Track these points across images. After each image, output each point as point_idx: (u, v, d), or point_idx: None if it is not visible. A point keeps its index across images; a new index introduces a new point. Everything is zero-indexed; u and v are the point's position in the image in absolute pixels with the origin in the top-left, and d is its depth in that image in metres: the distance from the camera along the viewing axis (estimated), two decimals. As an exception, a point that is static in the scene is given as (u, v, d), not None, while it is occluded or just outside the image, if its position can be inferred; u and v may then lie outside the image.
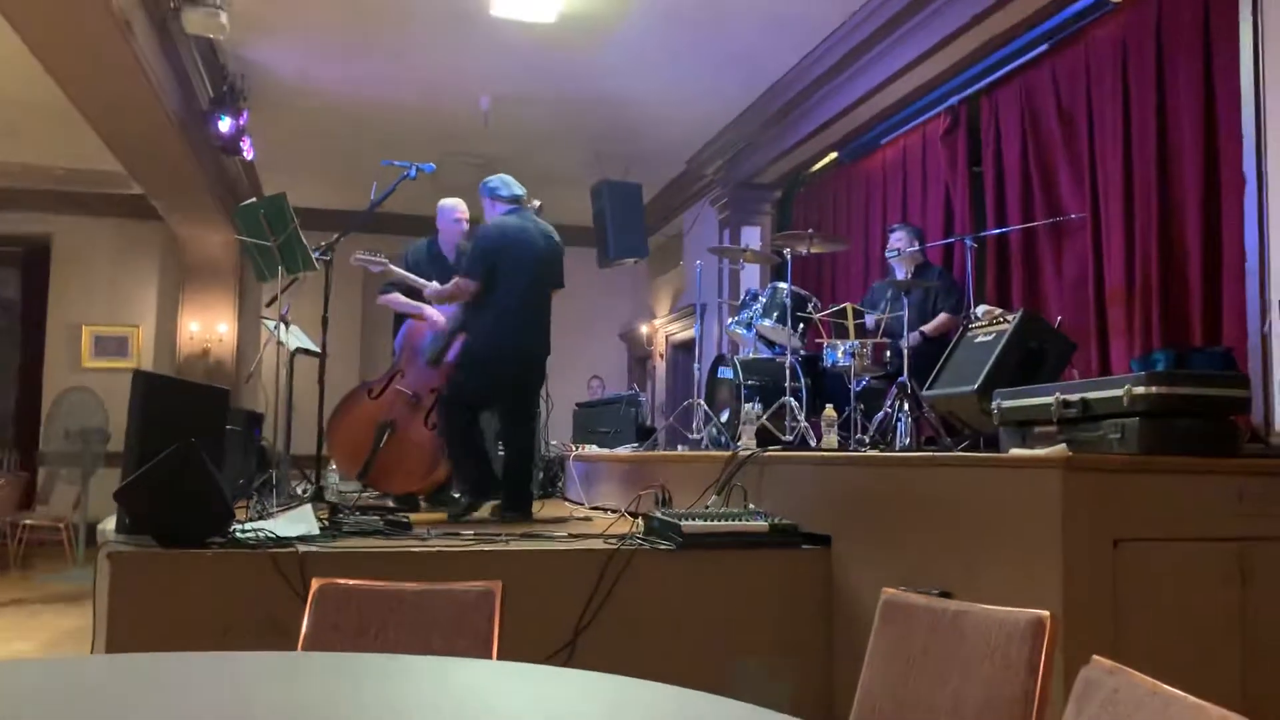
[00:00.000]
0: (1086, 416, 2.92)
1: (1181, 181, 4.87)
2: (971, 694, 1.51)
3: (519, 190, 5.00)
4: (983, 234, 5.91)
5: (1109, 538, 2.49)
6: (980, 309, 4.82)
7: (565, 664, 3.03)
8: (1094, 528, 2.48)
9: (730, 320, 6.24)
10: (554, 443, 7.14)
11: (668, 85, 7.65)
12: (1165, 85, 4.99)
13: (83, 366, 10.91)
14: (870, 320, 5.52)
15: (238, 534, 3.16)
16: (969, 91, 6.52)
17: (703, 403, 5.98)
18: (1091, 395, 2.91)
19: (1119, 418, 2.80)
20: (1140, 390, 2.74)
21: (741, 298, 6.21)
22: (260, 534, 3.17)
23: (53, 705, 1.34)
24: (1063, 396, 2.99)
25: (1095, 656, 1.21)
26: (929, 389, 4.42)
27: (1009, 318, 4.22)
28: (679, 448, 6.33)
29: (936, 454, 3.34)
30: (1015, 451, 3.08)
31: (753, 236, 9.11)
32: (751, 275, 8.63)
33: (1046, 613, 1.48)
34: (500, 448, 5.19)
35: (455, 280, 4.82)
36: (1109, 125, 5.32)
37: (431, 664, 1.58)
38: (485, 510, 4.74)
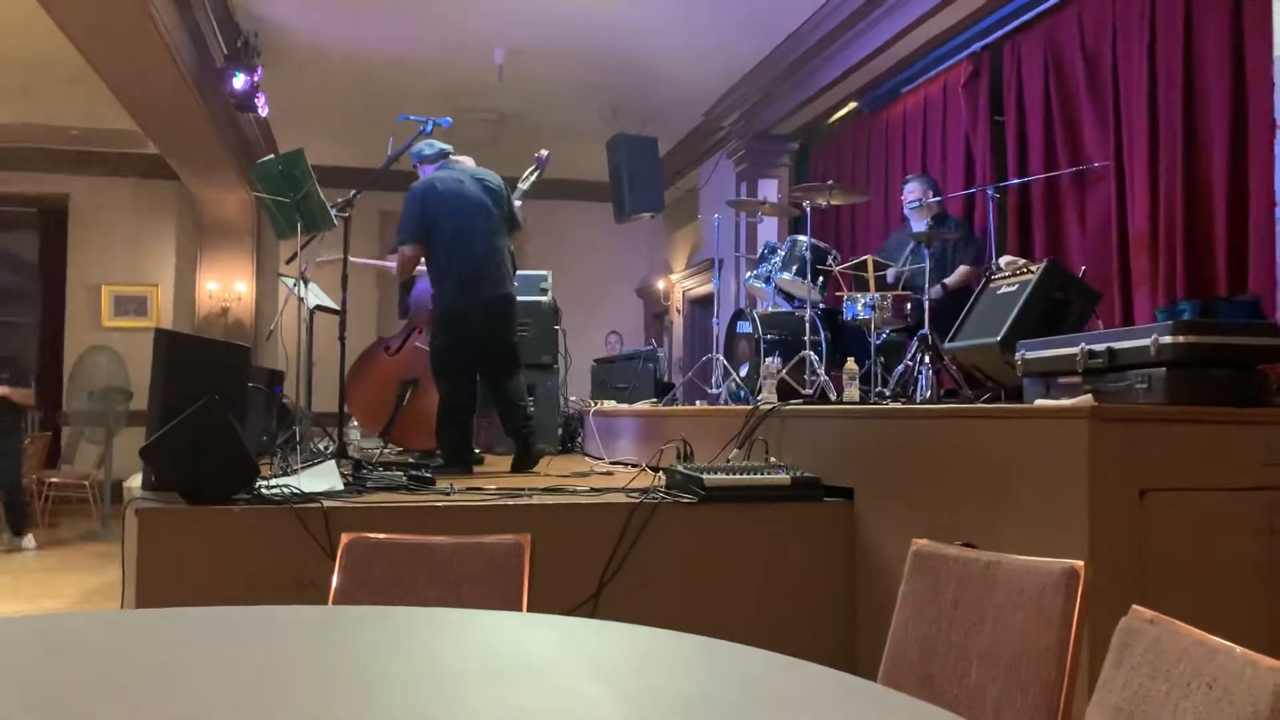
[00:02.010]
0: (1112, 367, 2.89)
1: (1208, 127, 4.79)
2: (1004, 644, 1.51)
3: (442, 146, 4.91)
4: (1004, 184, 5.84)
5: (1135, 488, 2.47)
6: (1003, 259, 4.77)
7: (590, 616, 3.05)
8: (1120, 478, 2.46)
9: (748, 274, 6.20)
10: (573, 398, 7.15)
11: (684, 36, 7.56)
12: (1193, 28, 4.89)
13: (103, 326, 10.98)
14: (890, 274, 5.48)
15: (263, 490, 3.18)
16: (992, 38, 6.42)
17: (721, 357, 5.97)
18: (1118, 345, 2.88)
19: (1146, 368, 2.77)
20: (1168, 340, 2.71)
21: (760, 251, 6.17)
22: (285, 490, 3.19)
23: (91, 656, 1.36)
24: (1088, 347, 2.96)
25: (1135, 606, 1.20)
26: (951, 341, 4.39)
27: (1032, 268, 4.17)
28: (697, 403, 6.33)
29: (960, 406, 3.32)
30: (1040, 402, 3.06)
31: (770, 189, 9.03)
32: (769, 228, 8.57)
33: (1080, 563, 1.47)
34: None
35: (398, 250, 4.78)
36: (1134, 70, 5.22)
37: (464, 616, 1.58)
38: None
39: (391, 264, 5.02)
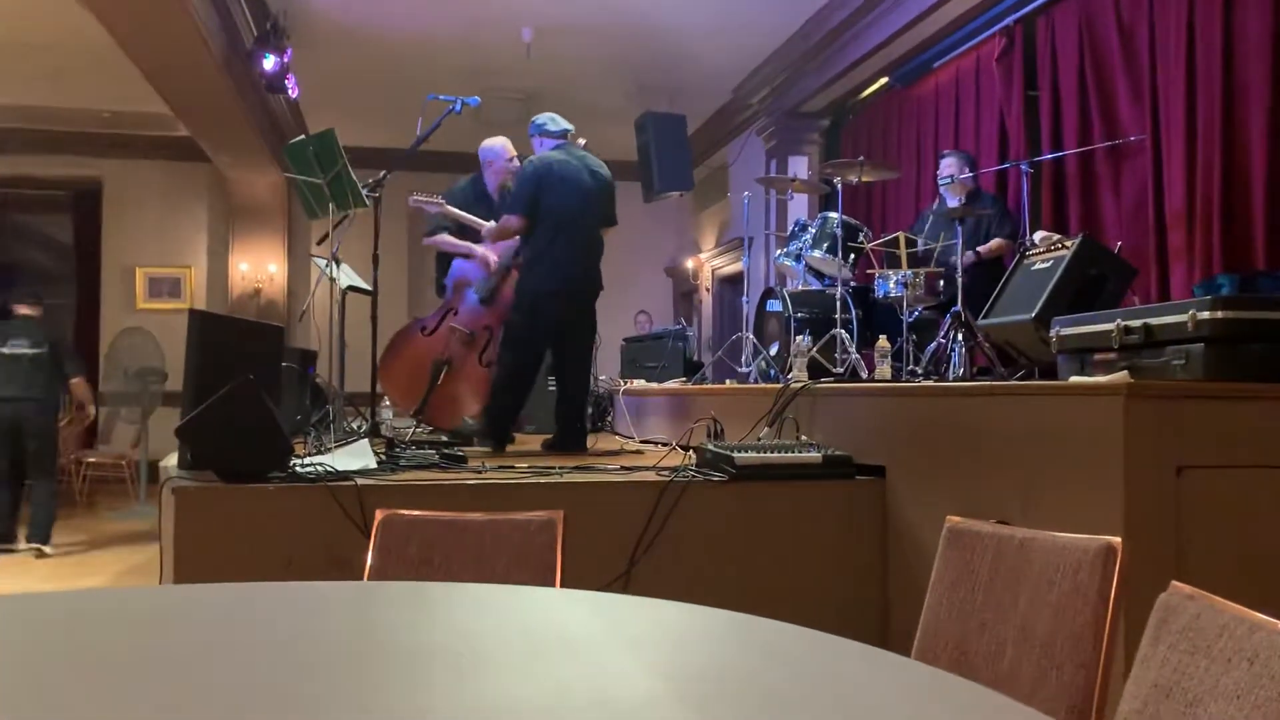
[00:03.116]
0: (1149, 343, 2.86)
1: (1246, 99, 4.71)
2: (1040, 621, 1.50)
3: (566, 125, 4.90)
4: (1039, 159, 5.77)
5: (1172, 465, 2.45)
6: (1038, 235, 4.73)
7: (621, 593, 3.06)
8: (1157, 455, 2.43)
9: (779, 252, 6.17)
10: (602, 377, 7.16)
11: (712, 12, 7.50)
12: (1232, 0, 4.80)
13: (138, 308, 11.10)
14: (921, 244, 5.44)
15: (297, 469, 3.21)
16: (1025, 10, 6.33)
17: (751, 336, 5.95)
18: (1154, 321, 2.84)
19: (1183, 344, 2.74)
20: (1205, 315, 2.67)
21: (790, 229, 6.14)
22: (319, 468, 3.22)
23: (132, 631, 1.38)
24: (1124, 323, 2.93)
25: (1174, 582, 1.19)
26: (984, 318, 4.36)
27: (1067, 244, 4.12)
28: (727, 381, 6.32)
29: (994, 383, 3.29)
30: (1075, 379, 3.03)
31: (800, 166, 8.98)
32: (799, 206, 8.53)
33: (1117, 539, 1.46)
34: (551, 383, 5.20)
35: (504, 217, 4.80)
36: (1171, 42, 5.14)
37: (498, 592, 1.59)
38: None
39: (487, 224, 5.05)
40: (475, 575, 1.85)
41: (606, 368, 7.68)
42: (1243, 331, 2.66)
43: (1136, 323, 2.88)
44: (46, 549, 6.79)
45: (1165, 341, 2.80)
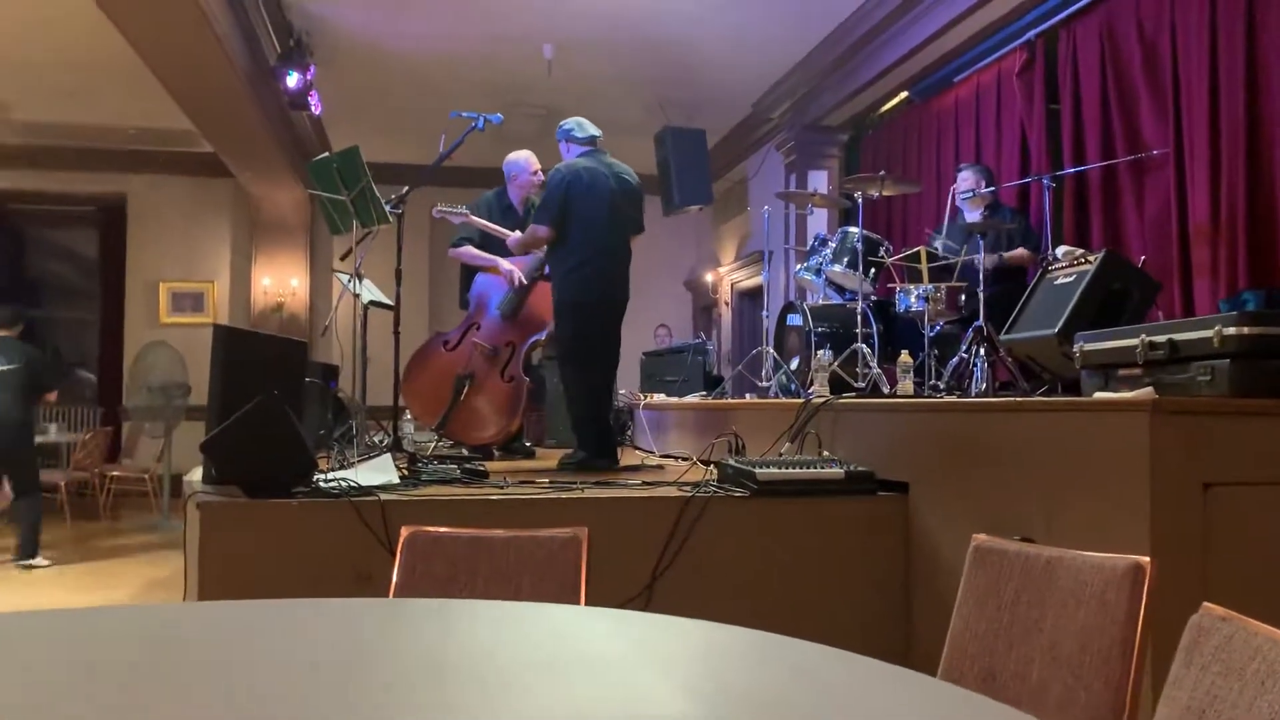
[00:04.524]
0: (1174, 359, 2.84)
1: (1272, 111, 4.68)
2: (1067, 640, 1.49)
3: (594, 131, 4.84)
4: (1060, 173, 5.75)
5: (1199, 482, 2.42)
6: (1060, 250, 4.70)
7: (643, 610, 3.06)
8: (1183, 472, 2.42)
9: (799, 266, 6.17)
10: (622, 391, 7.16)
11: (732, 27, 7.53)
12: (1255, 14, 4.78)
13: (161, 322, 11.19)
14: (940, 245, 5.42)
15: (321, 484, 3.22)
16: (1046, 25, 6.32)
17: (772, 350, 5.95)
18: (1179, 336, 2.82)
19: (1208, 359, 2.72)
20: (1232, 331, 2.65)
21: (810, 243, 6.13)
22: (342, 483, 3.23)
23: (157, 647, 1.39)
24: (1149, 338, 2.91)
25: (1206, 604, 1.18)
26: (1007, 333, 4.34)
27: (1090, 258, 4.11)
28: (747, 396, 6.32)
29: (1019, 399, 3.28)
30: (1100, 395, 3.01)
31: (820, 180, 8.97)
32: (819, 220, 8.52)
33: (1145, 558, 1.45)
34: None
35: (531, 226, 4.79)
36: (1194, 54, 5.12)
37: (525, 609, 1.60)
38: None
39: (512, 235, 5.04)
40: (499, 592, 1.86)
41: (626, 382, 7.68)
42: (1269, 347, 2.64)
43: (1161, 338, 2.87)
44: (36, 562, 6.84)
45: (1190, 357, 2.78)
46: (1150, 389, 2.72)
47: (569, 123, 4.88)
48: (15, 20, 7.42)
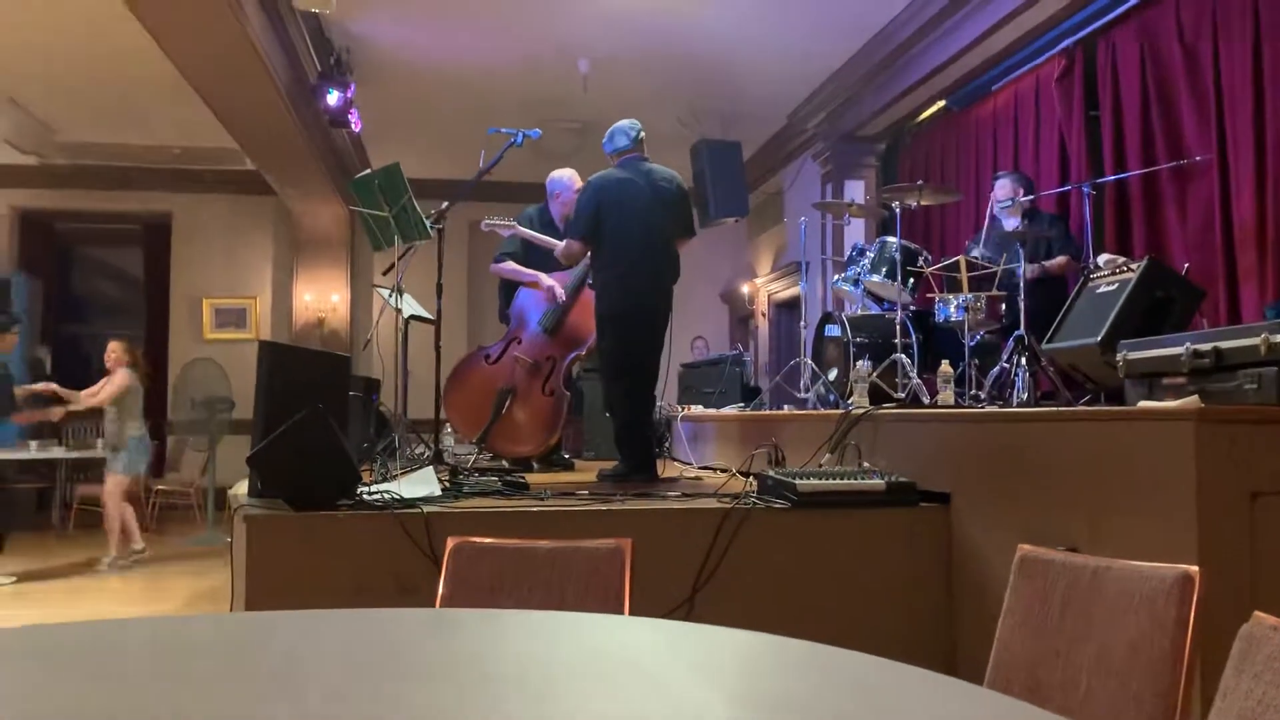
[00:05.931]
0: (1219, 367, 2.81)
1: (1318, 117, 4.62)
2: (1115, 650, 1.48)
3: (624, 141, 4.78)
4: (1101, 180, 5.70)
5: (1246, 491, 2.40)
6: (1102, 258, 4.66)
7: (684, 620, 3.06)
8: (1230, 482, 2.39)
9: (836, 277, 6.16)
10: (660, 403, 7.17)
11: (767, 38, 7.54)
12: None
13: (205, 338, 11.35)
14: (976, 252, 5.39)
15: (364, 496, 3.26)
16: (1085, 32, 6.28)
17: (810, 361, 5.93)
18: (1225, 344, 2.80)
19: (1255, 367, 2.69)
20: (1279, 338, 2.62)
21: (848, 254, 6.12)
22: (386, 496, 3.27)
23: (206, 658, 1.42)
24: (1194, 346, 2.88)
25: (1257, 613, 1.17)
26: (1049, 342, 4.31)
27: (1132, 266, 4.07)
28: (785, 407, 6.30)
29: (1061, 409, 3.25)
30: (1144, 404, 2.99)
31: (857, 191, 8.95)
32: (855, 230, 8.50)
33: (1195, 568, 1.44)
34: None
35: (565, 241, 4.82)
36: (1237, 58, 5.06)
37: (572, 619, 1.61)
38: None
39: (557, 244, 5.06)
40: (544, 602, 1.87)
41: (664, 393, 7.69)
42: (1318, 354, 2.61)
43: (1206, 346, 2.84)
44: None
45: (1236, 365, 2.75)
46: (1195, 398, 2.69)
47: (611, 131, 4.88)
48: (60, 44, 7.60)
